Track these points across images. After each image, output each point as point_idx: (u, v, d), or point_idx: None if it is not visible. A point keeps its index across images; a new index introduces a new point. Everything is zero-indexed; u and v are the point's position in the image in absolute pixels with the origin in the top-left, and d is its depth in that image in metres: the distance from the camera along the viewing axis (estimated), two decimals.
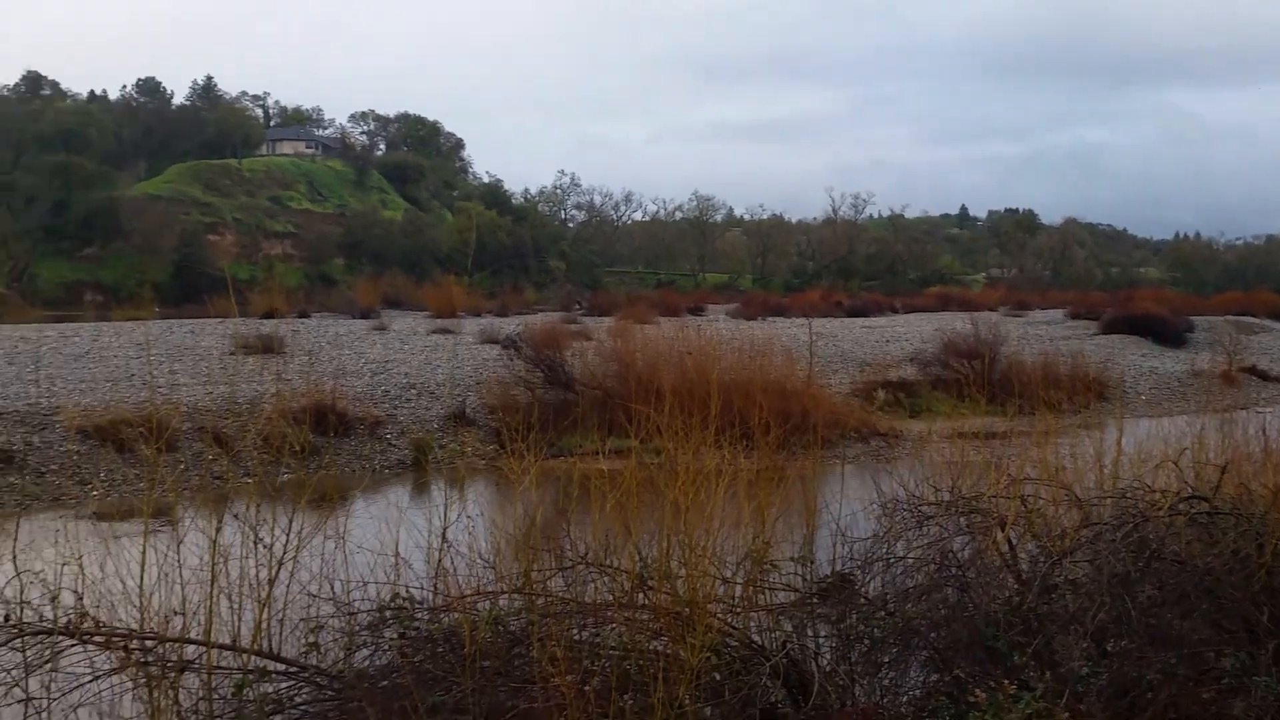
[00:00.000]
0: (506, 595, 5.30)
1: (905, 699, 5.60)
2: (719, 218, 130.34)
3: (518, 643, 4.88)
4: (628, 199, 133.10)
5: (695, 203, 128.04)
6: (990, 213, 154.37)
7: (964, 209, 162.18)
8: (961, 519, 6.31)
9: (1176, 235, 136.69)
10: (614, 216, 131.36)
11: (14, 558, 4.74)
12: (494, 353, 23.59)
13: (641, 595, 5.53)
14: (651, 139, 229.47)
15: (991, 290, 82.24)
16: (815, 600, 6.06)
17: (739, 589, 5.97)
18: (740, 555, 6.09)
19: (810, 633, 5.87)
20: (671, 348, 18.84)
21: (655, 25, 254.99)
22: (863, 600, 6.02)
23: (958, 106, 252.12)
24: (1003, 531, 6.04)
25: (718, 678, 4.90)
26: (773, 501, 6.45)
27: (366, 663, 4.98)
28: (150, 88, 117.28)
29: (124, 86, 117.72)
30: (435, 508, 6.18)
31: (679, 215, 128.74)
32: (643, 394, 14.83)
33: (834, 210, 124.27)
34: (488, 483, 15.51)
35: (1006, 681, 4.55)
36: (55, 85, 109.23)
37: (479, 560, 5.60)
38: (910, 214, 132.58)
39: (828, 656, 5.79)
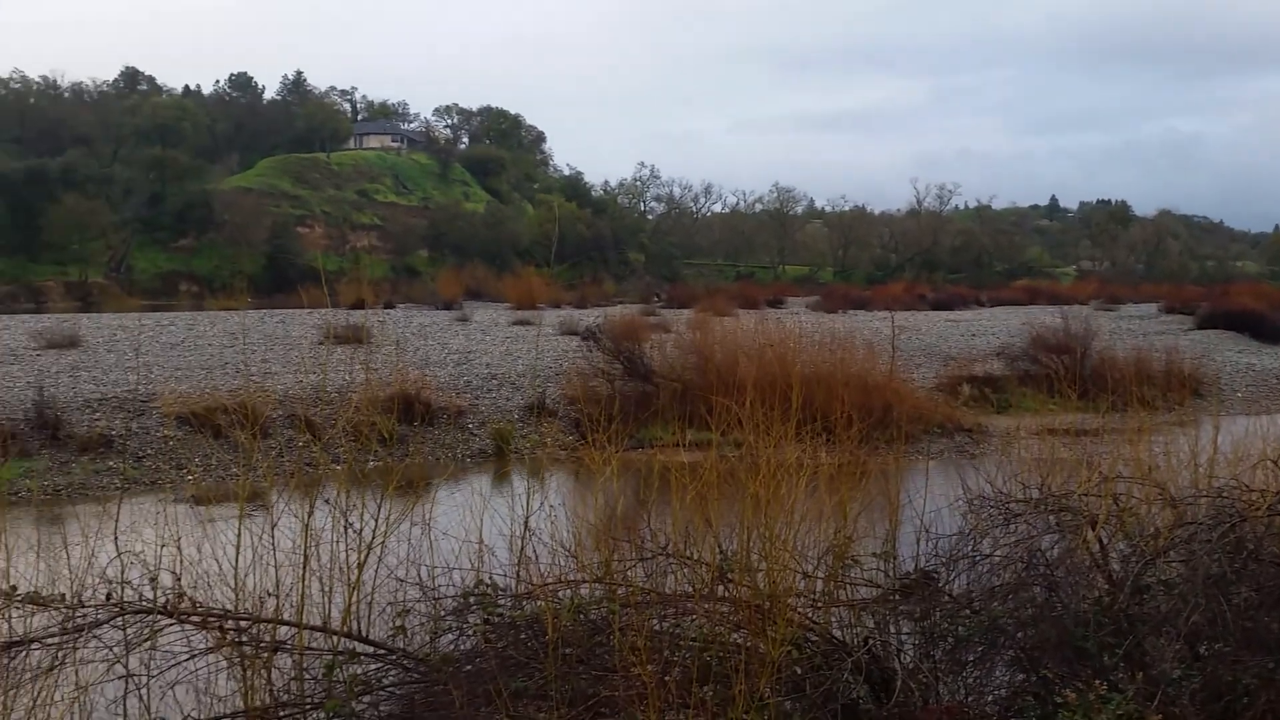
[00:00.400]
0: (588, 584, 5.35)
1: (990, 698, 5.51)
2: (799, 209, 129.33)
3: (598, 631, 4.92)
4: (707, 191, 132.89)
5: (775, 194, 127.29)
6: (1081, 204, 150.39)
7: (1054, 200, 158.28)
8: (1050, 517, 6.17)
9: (1276, 228, 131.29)
10: (693, 208, 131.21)
11: (115, 539, 4.92)
12: (573, 344, 23.76)
13: (721, 588, 5.53)
14: (731, 130, 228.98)
15: (1082, 283, 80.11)
16: (897, 596, 5.99)
17: (820, 583, 5.94)
18: (821, 550, 6.06)
19: (892, 629, 5.81)
20: (751, 340, 18.74)
21: (734, 17, 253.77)
22: (947, 598, 5.93)
23: (1045, 95, 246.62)
24: (1093, 530, 5.90)
25: (799, 672, 4.87)
26: (855, 496, 6.39)
27: (451, 647, 5.07)
28: (242, 83, 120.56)
29: (217, 82, 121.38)
30: (517, 496, 6.26)
31: (759, 207, 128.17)
32: (722, 387, 14.80)
33: (918, 201, 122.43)
34: (567, 473, 15.63)
35: (1097, 682, 4.45)
36: (151, 81, 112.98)
37: (560, 549, 5.66)
38: (998, 205, 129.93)
39: (910, 654, 5.72)
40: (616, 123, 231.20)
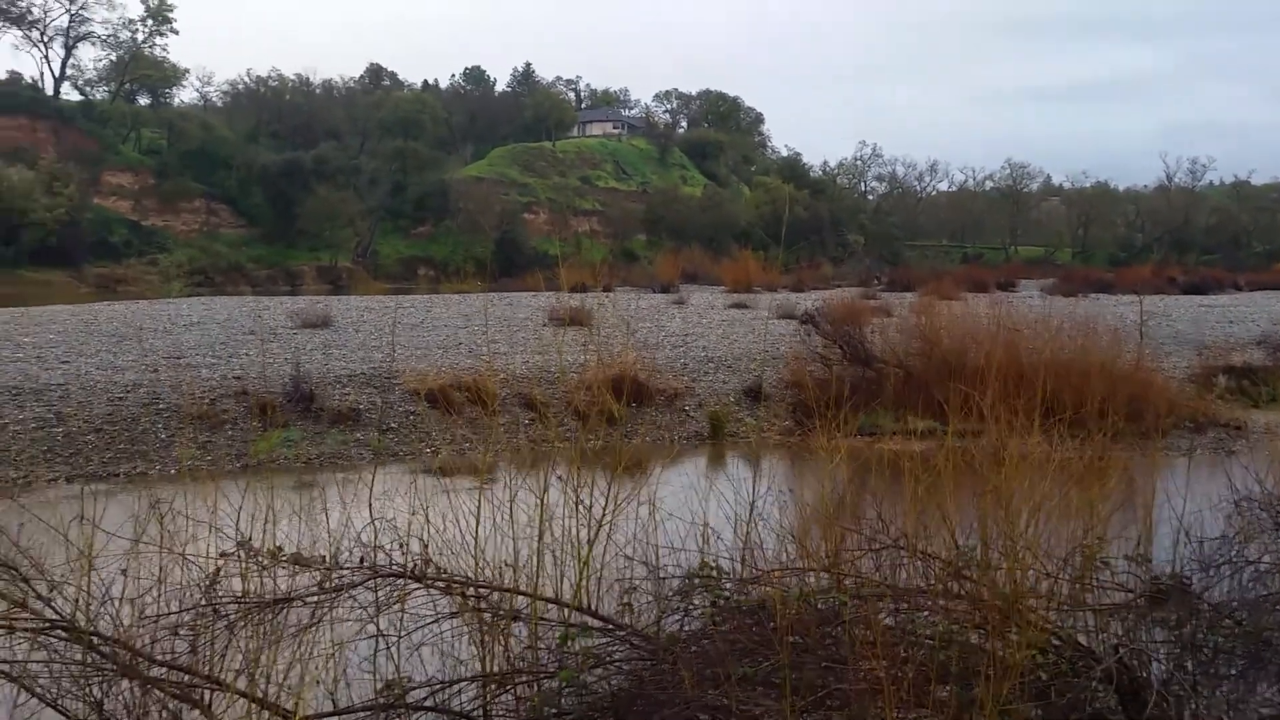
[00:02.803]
0: (814, 573, 5.25)
1: (1252, 717, 5.04)
2: (1034, 186, 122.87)
3: (827, 622, 4.81)
4: (933, 169, 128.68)
5: (1008, 171, 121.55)
6: None
7: None
8: None
9: None
10: (917, 187, 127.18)
11: (370, 506, 5.23)
12: (790, 328, 23.50)
13: (957, 585, 5.29)
14: (959, 105, 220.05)
15: None
16: (1148, 602, 5.57)
17: (1065, 585, 5.60)
18: (1067, 550, 5.71)
19: (1144, 637, 5.40)
20: (982, 325, 17.93)
21: None
22: (1205, 606, 5.46)
23: None
24: None
25: (1043, 678, 4.60)
26: (1104, 494, 5.98)
27: (677, 627, 5.10)
28: (476, 76, 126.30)
29: (453, 76, 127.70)
30: (740, 481, 6.22)
31: (989, 185, 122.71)
32: (948, 373, 14.24)
33: (1168, 177, 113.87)
34: (783, 458, 15.50)
35: None
36: (394, 77, 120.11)
37: (787, 536, 5.58)
38: (1257, 180, 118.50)
39: (1163, 664, 5.31)
40: (837, 101, 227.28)
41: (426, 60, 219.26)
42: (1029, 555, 5.23)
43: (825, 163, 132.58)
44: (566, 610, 5.01)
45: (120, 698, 4.30)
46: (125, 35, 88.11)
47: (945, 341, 17.44)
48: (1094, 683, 4.67)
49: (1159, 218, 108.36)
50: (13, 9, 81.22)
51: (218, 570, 4.65)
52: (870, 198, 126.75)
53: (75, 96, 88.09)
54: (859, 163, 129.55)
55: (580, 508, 5.39)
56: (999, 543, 5.30)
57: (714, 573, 5.29)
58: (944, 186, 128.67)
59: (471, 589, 4.93)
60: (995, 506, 5.34)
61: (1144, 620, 5.43)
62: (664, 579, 5.36)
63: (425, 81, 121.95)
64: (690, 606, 5.16)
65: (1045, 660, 4.69)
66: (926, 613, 5.03)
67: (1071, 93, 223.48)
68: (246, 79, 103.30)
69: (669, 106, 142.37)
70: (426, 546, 5.01)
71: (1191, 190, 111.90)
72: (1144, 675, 5.13)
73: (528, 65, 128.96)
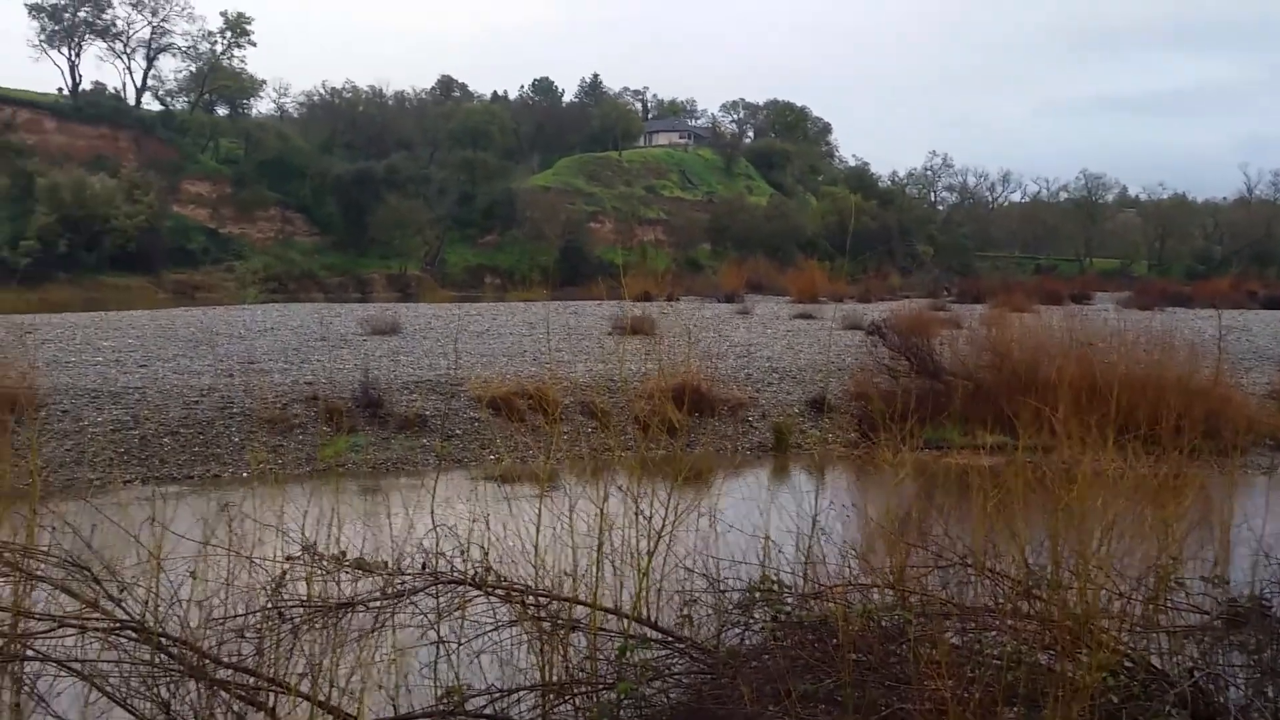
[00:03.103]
0: (879, 589, 5.16)
1: None
2: (1109, 197, 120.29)
3: (891, 640, 4.72)
4: (1005, 179, 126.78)
5: (1082, 181, 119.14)
6: None
7: None
8: None
9: None
10: (989, 198, 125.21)
11: (431, 512, 5.27)
12: (857, 339, 23.25)
13: (1027, 604, 5.17)
14: (1032, 114, 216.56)
15: None
16: (1227, 625, 5.38)
17: (1138, 606, 5.44)
18: (1140, 570, 5.54)
19: (1220, 661, 5.22)
20: (1055, 338, 17.54)
21: None
22: None
23: None
24: None
25: (1114, 701, 4.46)
26: (1179, 513, 5.79)
27: (737, 641, 5.05)
28: (544, 87, 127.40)
29: (522, 87, 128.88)
30: (803, 493, 6.15)
31: (1063, 196, 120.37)
32: (1020, 387, 13.95)
33: (1249, 189, 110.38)
34: (848, 470, 15.31)
35: None
36: (464, 88, 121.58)
37: (850, 550, 5.50)
38: None
39: (1240, 689, 5.13)
40: (907, 110, 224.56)
41: (496, 72, 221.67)
42: (1101, 575, 5.09)
43: (894, 173, 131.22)
44: (626, 621, 4.99)
45: (187, 698, 4.38)
46: (205, 47, 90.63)
47: (1016, 354, 17.09)
48: (1168, 707, 4.52)
49: (1239, 230, 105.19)
50: (98, 22, 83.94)
51: (284, 574, 4.72)
52: (940, 208, 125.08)
53: (156, 107, 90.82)
54: (929, 173, 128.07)
55: (640, 518, 5.37)
56: (1070, 562, 5.17)
57: (775, 586, 5.24)
58: (1016, 197, 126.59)
59: (531, 597, 4.94)
60: (1067, 524, 5.21)
61: (1220, 643, 5.26)
62: (724, 592, 5.32)
63: (494, 93, 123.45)
64: (751, 620, 5.11)
65: (1117, 683, 4.56)
66: (994, 632, 4.92)
67: (1149, 103, 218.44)
68: (322, 90, 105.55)
69: (736, 116, 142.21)
70: (487, 554, 5.03)
71: (1273, 203, 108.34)
72: (1220, 700, 4.96)
73: (595, 76, 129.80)
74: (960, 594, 5.22)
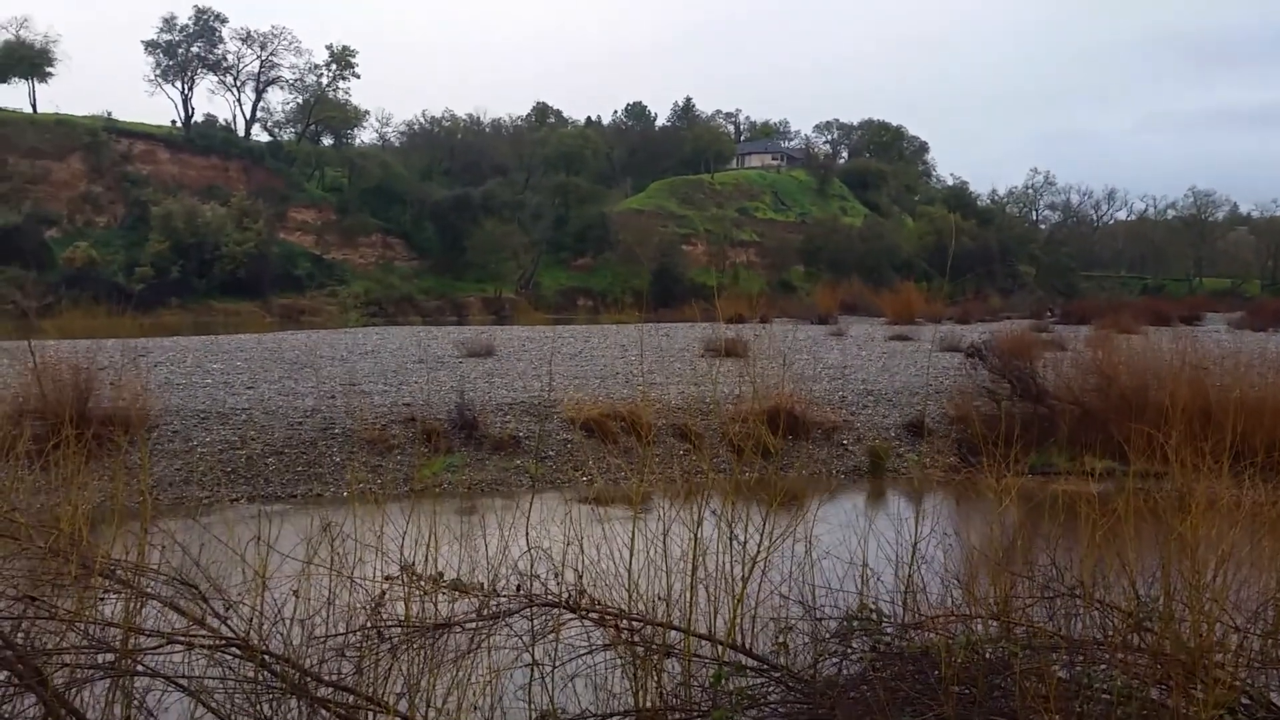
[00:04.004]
0: (982, 620, 5.00)
1: None
2: (1220, 215, 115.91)
3: (995, 672, 4.57)
4: (1110, 196, 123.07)
5: (1191, 199, 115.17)
6: None
7: None
8: None
9: None
10: (1093, 216, 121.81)
11: (527, 534, 5.30)
12: (955, 361, 22.76)
13: (1138, 637, 4.95)
14: (1139, 129, 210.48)
15: None
16: None
17: (1256, 641, 5.17)
18: (1258, 603, 5.28)
19: None
20: (1164, 361, 16.90)
21: (1138, 6, 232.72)
22: None
23: None
24: None
25: None
26: None
27: (834, 670, 4.94)
28: (637, 111, 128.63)
29: (615, 111, 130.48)
30: (902, 520, 6.01)
31: (1171, 213, 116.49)
32: (1128, 411, 13.46)
33: None
34: (947, 496, 14.94)
35: None
36: (559, 114, 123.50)
37: (952, 579, 5.34)
38: None
39: None
40: (1007, 127, 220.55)
41: (590, 98, 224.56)
42: (1216, 607, 4.87)
43: (994, 191, 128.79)
44: (720, 648, 4.93)
45: (288, 715, 4.46)
46: (311, 80, 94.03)
47: (1124, 378, 16.51)
48: None
49: None
50: (209, 57, 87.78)
51: (383, 594, 4.79)
52: (1042, 227, 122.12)
53: (264, 137, 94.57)
54: (1030, 191, 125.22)
55: (735, 542, 5.31)
56: (1183, 593, 4.97)
57: (874, 615, 5.12)
58: (1122, 215, 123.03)
59: (625, 622, 4.91)
60: (1180, 554, 5.01)
61: None
62: (821, 620, 5.22)
63: (588, 118, 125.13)
64: (849, 650, 5.00)
65: None
66: (1104, 666, 4.73)
67: (1262, 116, 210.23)
68: (422, 119, 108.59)
69: (829, 137, 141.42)
70: (581, 577, 5.03)
71: None
72: None
73: (688, 100, 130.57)
74: (1068, 626, 5.04)
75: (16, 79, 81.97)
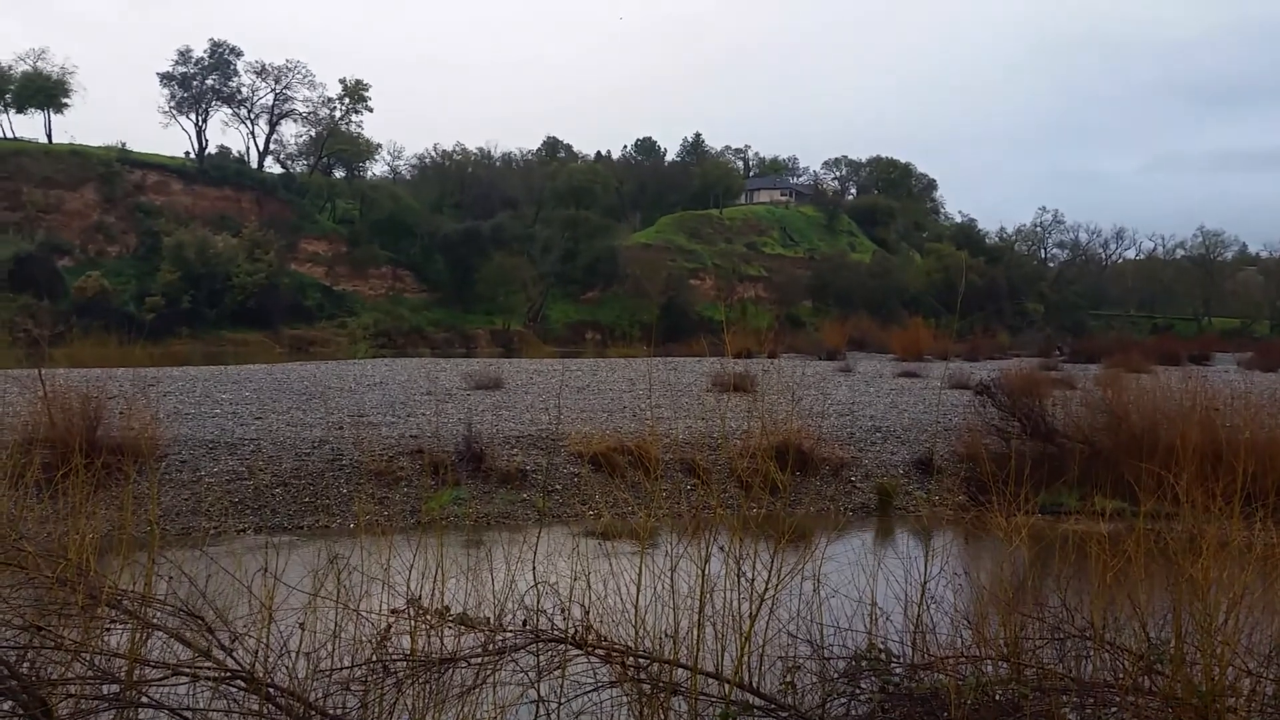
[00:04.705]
0: (992, 661, 4.95)
1: None
2: (1229, 255, 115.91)
3: (1004, 714, 4.52)
4: (1119, 235, 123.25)
5: (1200, 238, 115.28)
6: None
7: None
8: None
9: None
10: (1102, 255, 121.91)
11: (534, 568, 5.27)
12: (964, 398, 22.70)
13: (1149, 680, 4.90)
14: (1146, 170, 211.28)
15: None
16: None
17: (1269, 685, 5.11)
18: (1271, 646, 5.23)
19: None
20: (1174, 400, 16.84)
21: (1145, 51, 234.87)
22: None
23: None
24: None
25: None
26: None
27: (842, 711, 4.90)
28: (646, 147, 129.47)
29: (625, 146, 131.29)
30: (911, 559, 5.97)
31: (1180, 253, 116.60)
32: (1138, 451, 13.38)
33: None
34: (957, 535, 14.84)
35: None
36: (569, 148, 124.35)
37: (961, 620, 5.30)
38: None
39: None
40: (1016, 166, 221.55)
41: (600, 133, 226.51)
42: (1228, 651, 4.83)
43: (1002, 229, 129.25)
44: (727, 686, 4.89)
45: None
46: (324, 113, 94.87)
47: (1134, 417, 16.44)
48: None
49: None
50: (224, 89, 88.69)
51: (388, 627, 4.77)
52: (1051, 265, 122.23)
53: (277, 169, 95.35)
54: (1038, 229, 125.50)
55: (742, 580, 5.28)
56: (1195, 636, 4.92)
57: (883, 655, 5.07)
58: (1131, 254, 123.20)
59: (631, 659, 4.88)
60: (1191, 596, 4.97)
61: None
62: (829, 659, 5.18)
63: (598, 152, 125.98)
64: (857, 690, 4.95)
65: None
66: (1115, 709, 4.69)
67: (1271, 159, 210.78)
68: (433, 153, 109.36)
69: (838, 173, 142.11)
70: (588, 612, 5.00)
71: None
72: None
73: (697, 135, 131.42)
74: (1078, 668, 4.99)
75: (33, 109, 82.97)
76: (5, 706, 4.25)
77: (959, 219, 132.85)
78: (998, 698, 4.59)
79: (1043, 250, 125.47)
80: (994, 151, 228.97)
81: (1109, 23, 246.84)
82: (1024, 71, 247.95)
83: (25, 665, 4.34)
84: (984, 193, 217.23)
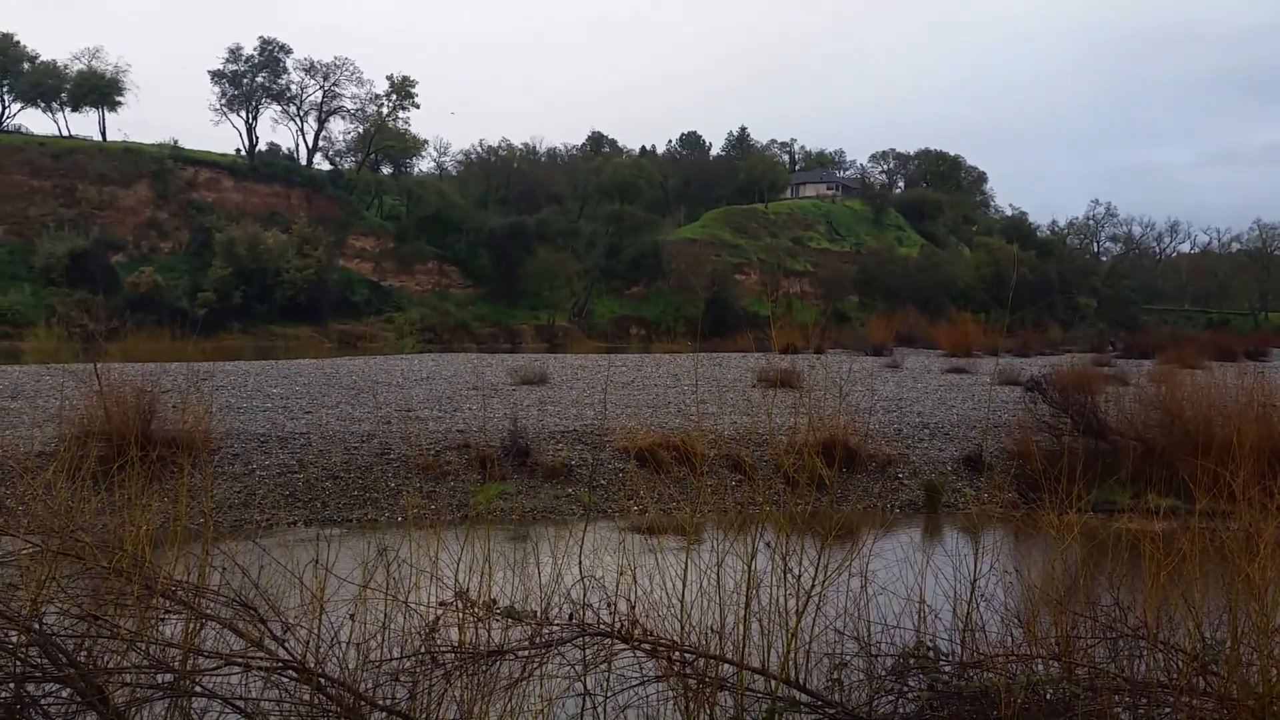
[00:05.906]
0: (1043, 660, 4.89)
1: None
2: None
3: (1056, 714, 4.46)
4: (1173, 229, 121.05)
5: (1257, 232, 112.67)
6: None
7: None
8: None
9: None
10: (1155, 249, 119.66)
11: (580, 563, 5.29)
12: (1014, 395, 22.42)
13: (1203, 680, 4.81)
14: (1202, 163, 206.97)
15: None
16: None
17: None
18: None
19: None
20: (1230, 396, 16.49)
21: (1201, 44, 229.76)
22: None
23: None
24: None
25: None
26: None
27: (890, 708, 4.86)
28: (692, 141, 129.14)
29: (670, 141, 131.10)
30: (960, 556, 5.91)
31: (1235, 247, 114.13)
32: (1192, 448, 13.13)
33: None
34: (1007, 533, 14.66)
35: None
36: (613, 143, 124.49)
37: (1012, 618, 5.24)
38: None
39: None
40: (1068, 160, 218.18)
41: (645, 127, 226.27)
42: None
43: (1054, 222, 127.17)
44: (774, 682, 4.87)
45: None
46: (372, 110, 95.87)
47: (1189, 414, 16.13)
48: None
49: None
50: (273, 87, 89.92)
51: (437, 619, 4.81)
52: (1103, 259, 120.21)
53: (325, 166, 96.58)
54: (1091, 222, 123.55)
55: (789, 576, 5.26)
56: (1251, 637, 4.82)
57: (931, 653, 5.03)
58: (1185, 248, 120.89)
59: (677, 653, 4.88)
60: (1247, 596, 4.87)
61: None
62: (877, 656, 5.14)
63: (643, 147, 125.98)
64: (905, 688, 4.91)
65: None
66: (1168, 709, 4.61)
67: None
68: (479, 149, 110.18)
69: (885, 167, 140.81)
70: (634, 607, 5.01)
71: None
72: None
73: (743, 129, 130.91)
74: (1131, 668, 4.91)
75: (88, 108, 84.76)
76: (64, 694, 4.36)
77: (1009, 212, 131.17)
78: (1049, 697, 4.54)
79: (1095, 244, 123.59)
80: (1047, 149, 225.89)
81: (1164, 13, 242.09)
82: (1075, 63, 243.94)
83: (83, 654, 4.44)
84: (1036, 188, 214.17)
